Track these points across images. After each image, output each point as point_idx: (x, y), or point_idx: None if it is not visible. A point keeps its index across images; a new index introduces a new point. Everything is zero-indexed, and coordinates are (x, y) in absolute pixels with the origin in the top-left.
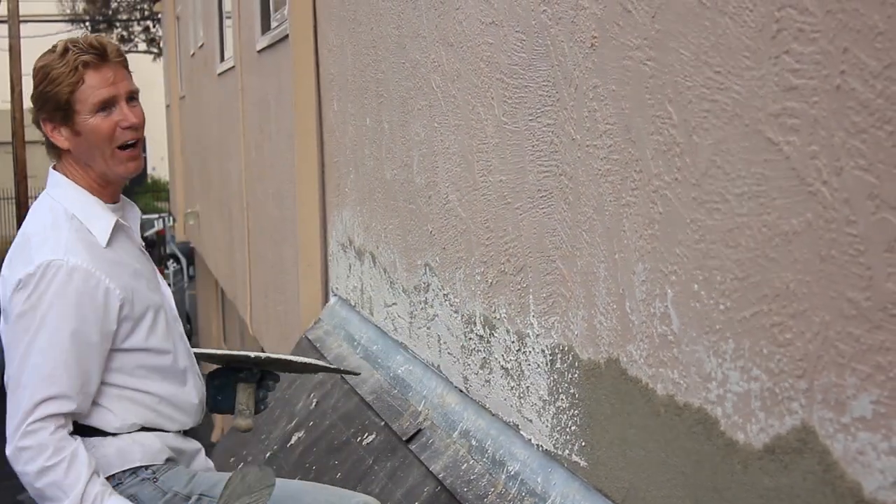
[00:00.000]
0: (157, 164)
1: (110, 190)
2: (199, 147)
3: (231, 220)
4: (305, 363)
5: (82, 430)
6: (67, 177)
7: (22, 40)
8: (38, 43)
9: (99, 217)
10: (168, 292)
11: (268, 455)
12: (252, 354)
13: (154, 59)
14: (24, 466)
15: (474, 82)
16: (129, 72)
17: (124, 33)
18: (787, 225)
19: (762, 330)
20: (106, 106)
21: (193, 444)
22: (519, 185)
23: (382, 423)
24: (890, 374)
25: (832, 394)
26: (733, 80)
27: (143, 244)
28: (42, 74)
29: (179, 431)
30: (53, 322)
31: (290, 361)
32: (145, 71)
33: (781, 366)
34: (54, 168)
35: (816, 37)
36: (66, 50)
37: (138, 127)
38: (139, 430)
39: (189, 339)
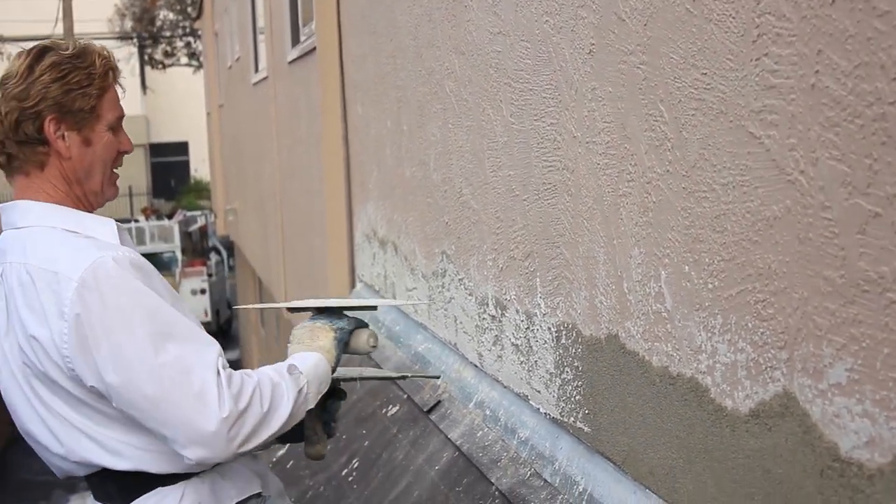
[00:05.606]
0: (199, 166)
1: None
2: (236, 150)
3: (266, 215)
4: (382, 376)
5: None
6: (42, 199)
7: None
8: None
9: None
10: None
11: None
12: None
13: (195, 71)
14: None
15: (484, 87)
16: None
17: (168, 48)
18: (769, 211)
19: (747, 306)
20: (116, 125)
21: None
22: (526, 180)
23: (405, 396)
24: (862, 344)
25: (811, 363)
26: (718, 80)
27: None
28: (57, 70)
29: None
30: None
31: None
32: (187, 81)
33: (765, 338)
34: (21, 196)
35: (793, 40)
36: (84, 51)
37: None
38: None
39: (229, 325)
